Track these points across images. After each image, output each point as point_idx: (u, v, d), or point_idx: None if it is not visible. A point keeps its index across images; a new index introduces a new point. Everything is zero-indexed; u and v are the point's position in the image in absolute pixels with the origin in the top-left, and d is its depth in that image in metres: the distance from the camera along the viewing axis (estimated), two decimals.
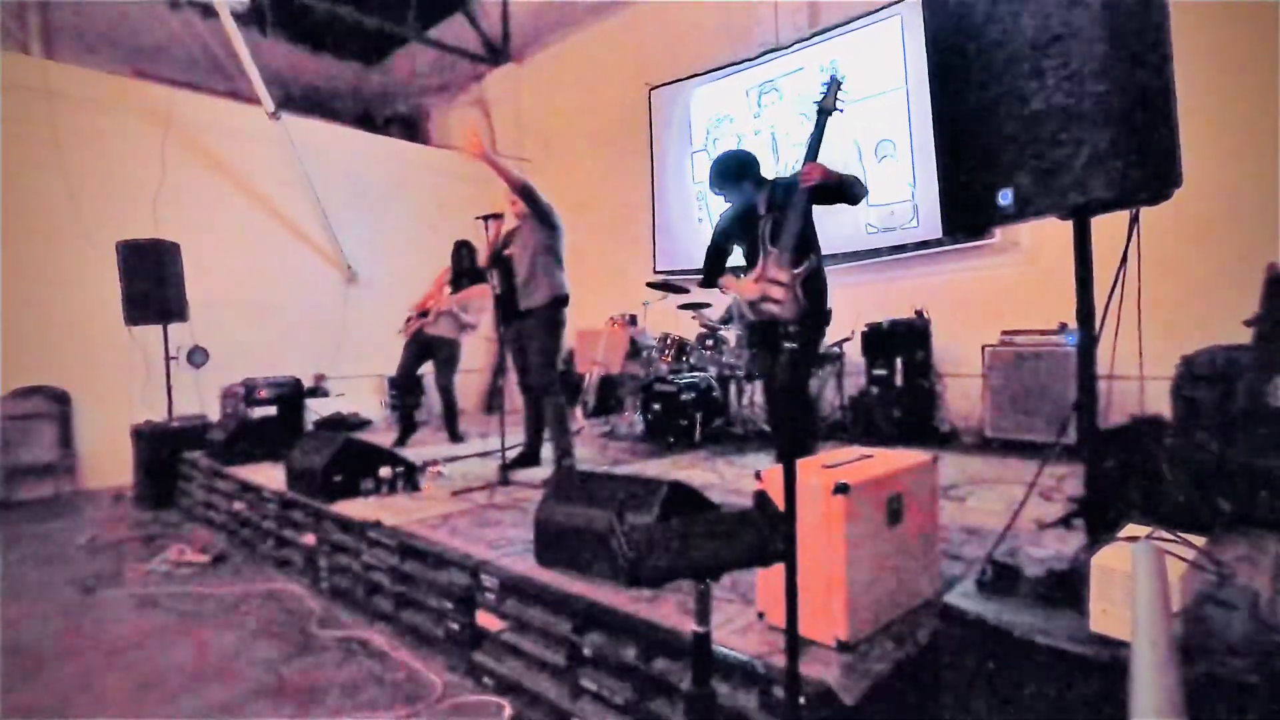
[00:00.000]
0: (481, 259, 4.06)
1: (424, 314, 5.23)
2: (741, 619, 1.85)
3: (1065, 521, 2.45)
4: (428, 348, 5.24)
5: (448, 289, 5.25)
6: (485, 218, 3.95)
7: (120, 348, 5.43)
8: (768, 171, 3.30)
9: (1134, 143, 1.40)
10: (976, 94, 1.63)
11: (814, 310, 3.03)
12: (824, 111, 2.93)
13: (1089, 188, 1.46)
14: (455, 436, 5.38)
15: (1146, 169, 1.41)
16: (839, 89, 2.93)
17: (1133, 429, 2.58)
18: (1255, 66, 3.85)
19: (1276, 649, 1.12)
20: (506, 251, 4.01)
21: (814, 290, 3.01)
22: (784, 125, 6.11)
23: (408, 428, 5.27)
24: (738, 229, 3.24)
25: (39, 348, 5.41)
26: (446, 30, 8.32)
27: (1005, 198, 1.58)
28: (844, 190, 2.99)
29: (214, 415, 5.56)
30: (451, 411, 5.42)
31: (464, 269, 5.30)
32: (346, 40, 8.78)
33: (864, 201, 3.16)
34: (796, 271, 2.93)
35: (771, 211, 3.07)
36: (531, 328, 3.90)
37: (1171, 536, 1.35)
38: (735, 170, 3.18)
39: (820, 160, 2.91)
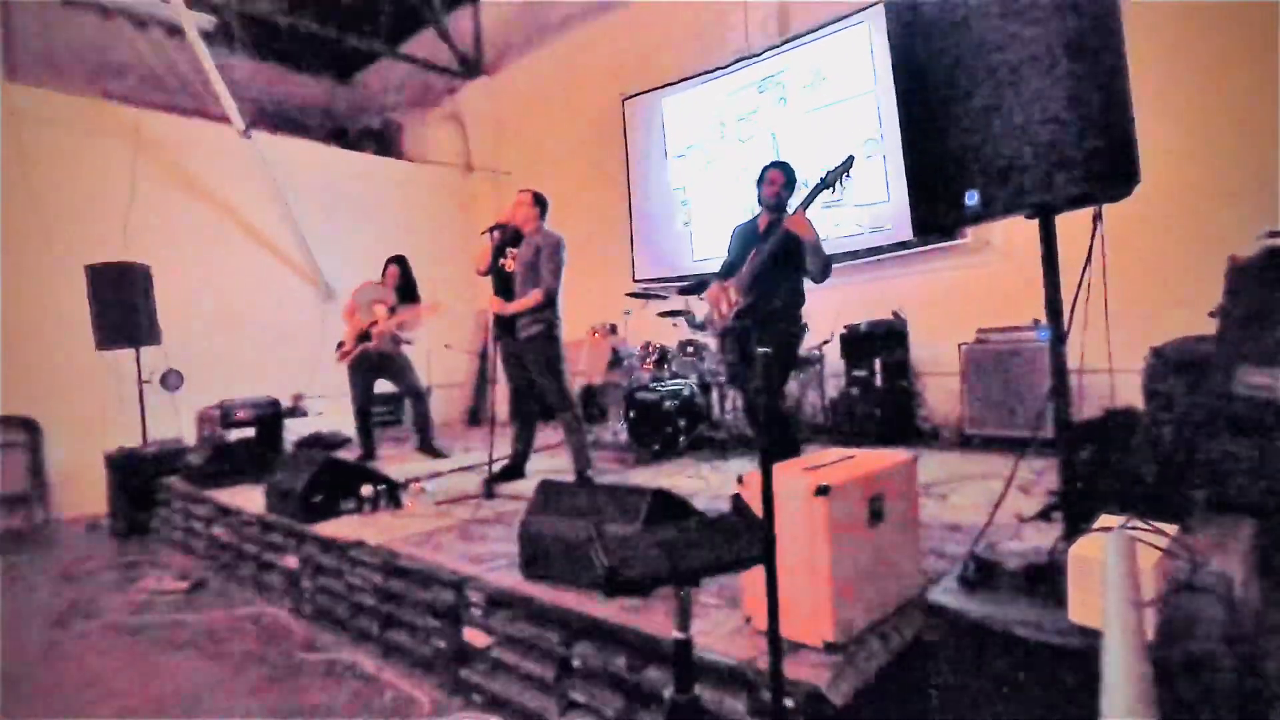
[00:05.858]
0: (480, 267, 4.00)
1: (363, 337, 5.03)
2: (729, 624, 1.85)
3: (1044, 515, 2.49)
4: (378, 366, 5.11)
5: (380, 308, 5.06)
6: (492, 229, 3.92)
7: (92, 373, 5.32)
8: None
9: (1093, 141, 1.44)
10: (939, 95, 1.66)
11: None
12: (825, 184, 3.15)
13: (1051, 186, 1.49)
14: (429, 444, 5.24)
15: (1106, 167, 1.44)
16: (847, 172, 3.14)
17: (1106, 421, 2.63)
18: (1219, 61, 3.97)
19: (1248, 633, 1.15)
20: (503, 262, 3.94)
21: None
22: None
23: (369, 443, 5.18)
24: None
25: (6, 375, 5.27)
26: (418, 45, 8.32)
27: (971, 198, 1.61)
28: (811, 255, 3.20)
29: (190, 439, 5.46)
30: (425, 419, 5.29)
31: (397, 286, 5.22)
32: (317, 56, 8.74)
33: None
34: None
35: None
36: (529, 343, 3.83)
37: (1145, 525, 1.37)
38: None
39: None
